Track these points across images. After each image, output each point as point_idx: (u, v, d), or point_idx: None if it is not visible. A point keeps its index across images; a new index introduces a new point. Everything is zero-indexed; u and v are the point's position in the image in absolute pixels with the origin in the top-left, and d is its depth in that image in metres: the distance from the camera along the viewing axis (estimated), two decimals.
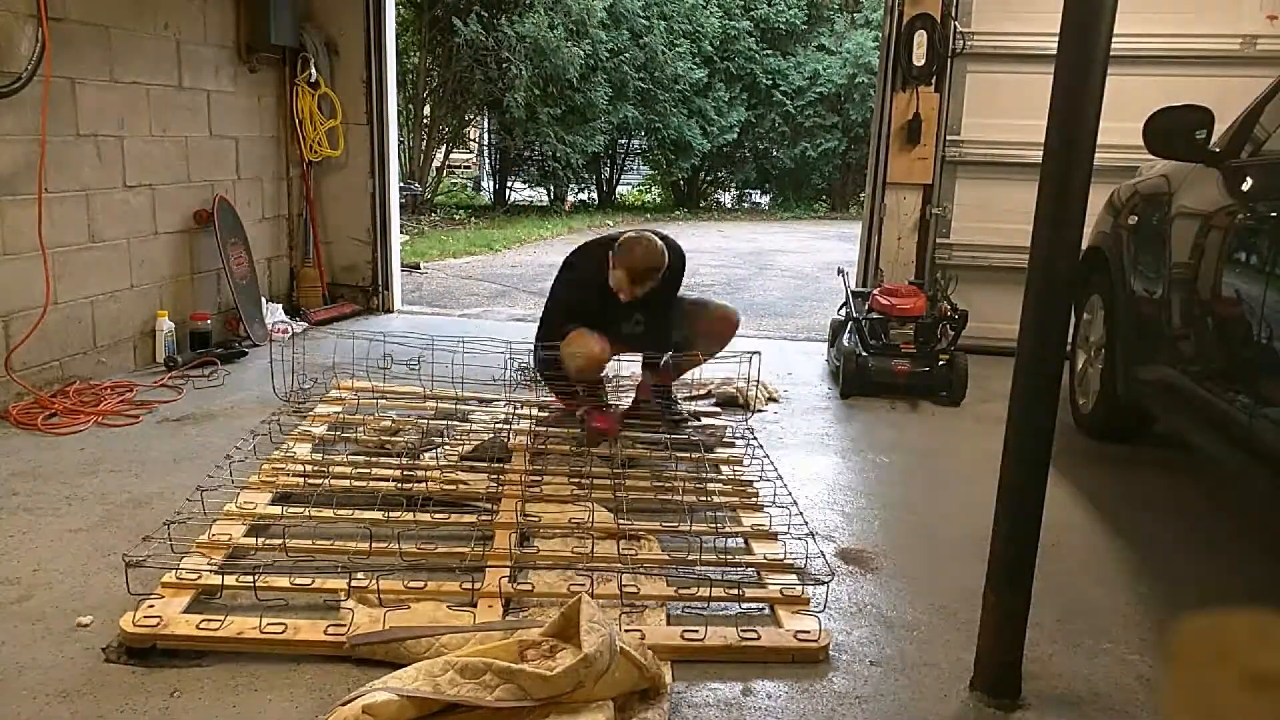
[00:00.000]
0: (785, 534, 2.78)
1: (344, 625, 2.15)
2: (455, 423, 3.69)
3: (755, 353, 3.74)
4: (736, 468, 3.40)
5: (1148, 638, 2.37)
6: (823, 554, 2.67)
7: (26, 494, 3.03)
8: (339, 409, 3.85)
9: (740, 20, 16.55)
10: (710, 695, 2.05)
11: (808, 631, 2.24)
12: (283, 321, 5.45)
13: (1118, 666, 2.23)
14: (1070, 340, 4.12)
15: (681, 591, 2.40)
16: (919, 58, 5.16)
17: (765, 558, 2.64)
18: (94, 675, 2.04)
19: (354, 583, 2.33)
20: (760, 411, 4.05)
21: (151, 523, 2.71)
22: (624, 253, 3.43)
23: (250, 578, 2.32)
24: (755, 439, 3.69)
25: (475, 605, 2.28)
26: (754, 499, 3.07)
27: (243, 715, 1.93)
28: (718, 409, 4.13)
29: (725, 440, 3.68)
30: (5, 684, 2.01)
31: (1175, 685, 2.16)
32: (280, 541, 2.55)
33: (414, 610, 2.24)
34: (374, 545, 2.55)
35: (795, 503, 2.99)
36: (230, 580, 2.34)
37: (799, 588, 2.45)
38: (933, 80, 5.21)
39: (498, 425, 3.65)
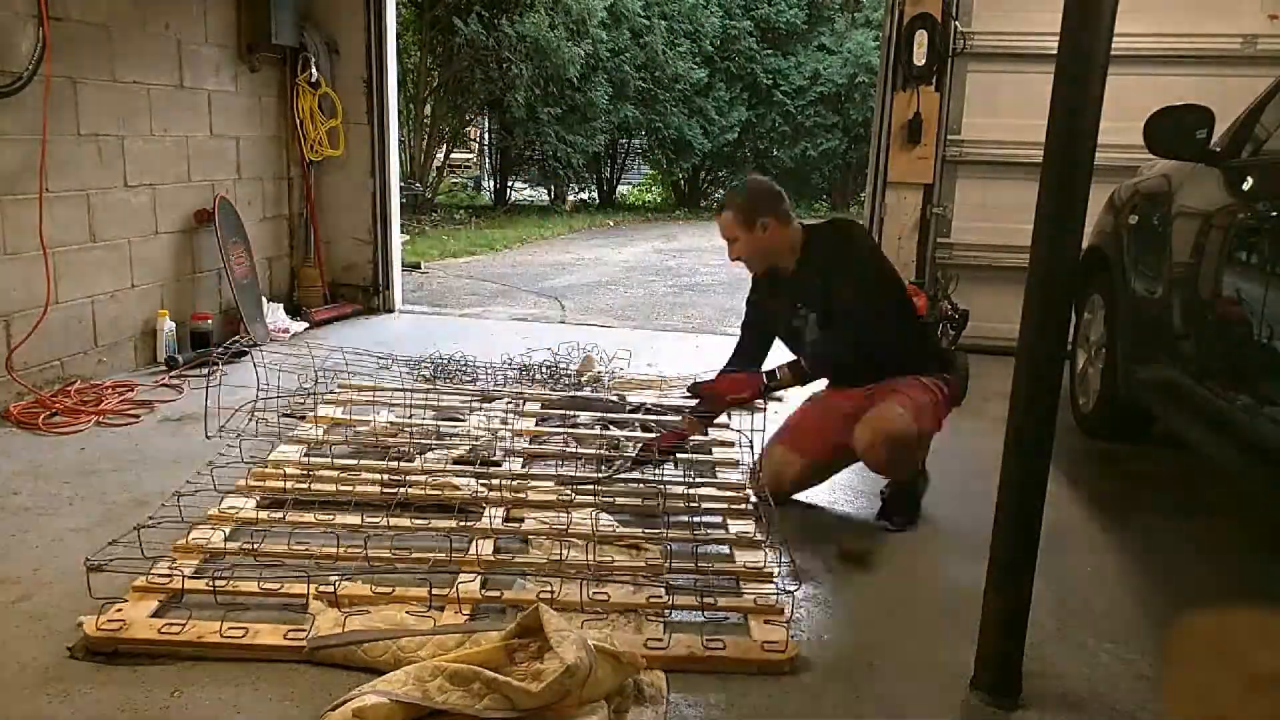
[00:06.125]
0: (766, 542, 2.74)
1: (305, 630, 2.15)
2: (452, 425, 3.68)
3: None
4: (730, 473, 3.37)
5: (1148, 638, 2.37)
6: (794, 561, 2.64)
7: (27, 493, 3.04)
8: (338, 410, 3.83)
9: (741, 20, 16.55)
10: (711, 695, 2.05)
11: (775, 642, 2.20)
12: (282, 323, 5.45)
13: (1118, 666, 2.23)
14: (1070, 340, 4.12)
15: (652, 600, 2.37)
16: (919, 57, 5.16)
17: (745, 565, 2.60)
18: (95, 675, 2.05)
19: (321, 587, 2.32)
20: (759, 411, 4.04)
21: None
22: None
23: (217, 583, 2.32)
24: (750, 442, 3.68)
25: (442, 610, 2.27)
26: (741, 508, 3.02)
27: (243, 715, 1.93)
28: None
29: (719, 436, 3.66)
30: (6, 682, 2.02)
31: (1175, 684, 2.16)
32: (254, 546, 2.55)
33: (379, 614, 2.23)
34: (346, 550, 2.53)
35: (772, 509, 2.95)
36: (200, 585, 2.33)
37: (773, 597, 2.40)
38: (933, 80, 5.21)
39: (493, 427, 3.63)
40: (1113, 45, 1.83)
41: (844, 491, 3.33)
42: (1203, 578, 2.75)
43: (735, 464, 3.43)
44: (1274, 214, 2.62)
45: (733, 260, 3.06)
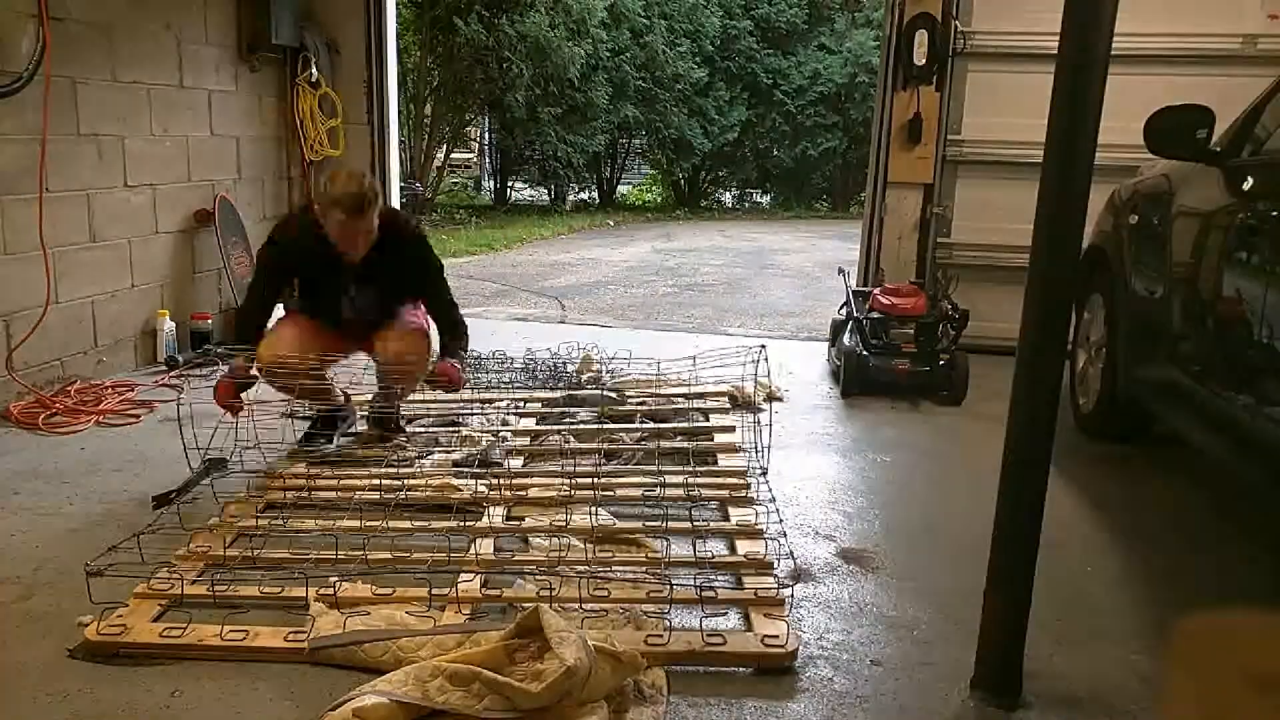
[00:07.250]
0: (767, 534, 2.74)
1: (305, 631, 2.15)
2: (451, 429, 3.68)
3: (761, 346, 3.74)
4: (729, 463, 3.37)
5: (1148, 638, 2.37)
6: (792, 554, 2.64)
7: (28, 493, 3.04)
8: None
9: (741, 20, 16.56)
10: (711, 695, 2.05)
11: (776, 636, 2.19)
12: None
13: (1118, 666, 2.23)
14: (1070, 340, 4.12)
15: (652, 595, 2.37)
16: (919, 57, 5.16)
17: (746, 557, 2.60)
18: (95, 675, 2.05)
19: (321, 590, 2.32)
20: (760, 410, 4.05)
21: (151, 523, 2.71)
22: (328, 186, 3.09)
23: (218, 588, 2.32)
24: (756, 433, 3.68)
25: (442, 610, 2.27)
26: (742, 496, 3.03)
27: (243, 715, 1.93)
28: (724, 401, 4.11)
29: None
30: (6, 683, 2.02)
31: (1175, 685, 2.16)
32: (255, 552, 2.55)
33: (379, 615, 2.22)
34: (347, 552, 2.53)
35: (774, 499, 2.96)
36: (200, 590, 2.34)
37: (774, 591, 2.40)
38: (933, 79, 5.20)
39: (493, 429, 3.63)
40: (1113, 45, 1.82)
41: (844, 491, 3.33)
42: (1203, 578, 2.75)
43: (735, 450, 3.42)
44: (1274, 214, 2.62)
45: (356, 249, 3.17)
